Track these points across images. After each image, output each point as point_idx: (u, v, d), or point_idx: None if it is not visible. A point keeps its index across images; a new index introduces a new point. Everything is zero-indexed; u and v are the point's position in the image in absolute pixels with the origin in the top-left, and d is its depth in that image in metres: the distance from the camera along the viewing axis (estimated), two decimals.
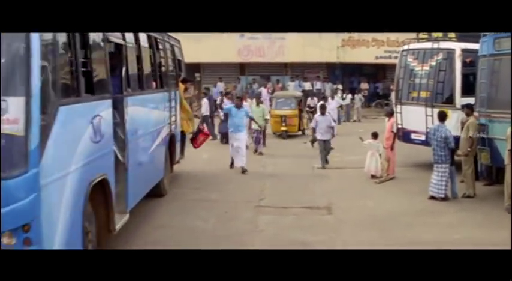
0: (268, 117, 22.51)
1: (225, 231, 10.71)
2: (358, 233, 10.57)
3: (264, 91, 31.10)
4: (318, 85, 34.94)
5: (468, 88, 15.35)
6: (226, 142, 20.96)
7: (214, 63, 35.59)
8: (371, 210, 12.19)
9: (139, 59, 10.80)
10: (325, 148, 17.34)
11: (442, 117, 13.46)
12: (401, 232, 10.60)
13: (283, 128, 24.69)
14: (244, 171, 16.33)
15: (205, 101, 24.28)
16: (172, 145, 14.09)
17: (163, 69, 13.35)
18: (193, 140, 16.16)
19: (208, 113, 23.95)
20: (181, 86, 15.34)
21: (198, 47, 30.87)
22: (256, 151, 20.03)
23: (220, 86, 33.87)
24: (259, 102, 22.21)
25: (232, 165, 16.99)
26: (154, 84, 12.29)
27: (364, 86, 35.78)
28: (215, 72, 36.34)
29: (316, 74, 36.52)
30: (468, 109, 13.77)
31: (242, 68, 37.39)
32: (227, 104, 21.69)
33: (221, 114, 22.33)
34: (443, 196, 12.96)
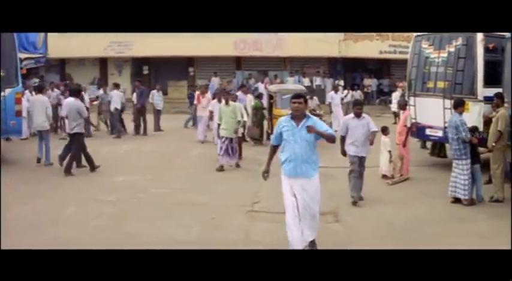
0: (245, 118, 16.47)
1: (209, 242, 8.88)
2: (374, 246, 8.60)
3: (261, 86, 29.33)
4: (318, 81, 33.31)
5: (491, 77, 13.73)
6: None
7: (208, 57, 34.01)
8: (387, 217, 10.26)
9: None
10: (360, 168, 11.71)
11: (456, 105, 11.62)
12: (428, 245, 8.66)
13: None
14: None
15: (116, 93, 22.02)
16: None
17: None
18: None
19: (118, 107, 21.77)
20: None
21: (192, 40, 29.09)
22: (234, 165, 15.41)
23: (215, 81, 32.37)
24: (228, 99, 15.76)
25: None
26: None
27: (367, 82, 33.95)
28: (210, 67, 34.90)
29: (316, 69, 34.85)
30: (498, 99, 11.96)
31: (238, 63, 35.74)
32: (242, 98, 19.52)
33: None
34: (463, 197, 11.22)
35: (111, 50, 33.73)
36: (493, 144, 11.45)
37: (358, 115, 11.59)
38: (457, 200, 11.29)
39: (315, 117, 8.58)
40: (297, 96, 8.41)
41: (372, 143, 11.52)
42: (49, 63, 32.66)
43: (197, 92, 22.18)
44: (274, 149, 8.70)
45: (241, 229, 9.59)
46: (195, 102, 21.45)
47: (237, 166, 15.45)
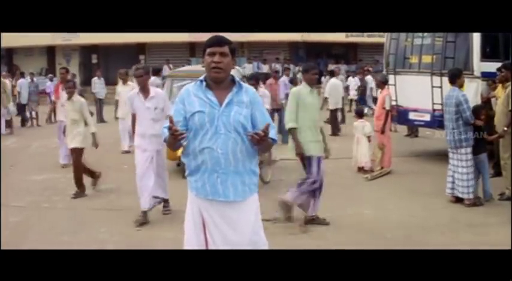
0: None
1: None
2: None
3: None
4: (278, 68, 31.01)
5: (490, 49, 11.73)
6: None
7: (161, 43, 32.17)
8: (372, 223, 7.70)
9: None
10: None
11: (452, 76, 9.18)
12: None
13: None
14: None
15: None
16: None
17: None
18: None
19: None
20: None
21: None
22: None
23: (166, 69, 30.05)
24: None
25: None
26: None
27: (332, 68, 31.73)
28: (162, 54, 33.04)
29: (277, 55, 33.19)
30: (507, 71, 9.53)
31: (192, 49, 33.79)
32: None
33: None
34: (466, 196, 8.81)
35: (58, 37, 32.19)
36: (505, 128, 9.00)
37: None
38: (458, 200, 8.87)
39: (250, 88, 4.30)
40: (218, 41, 4.08)
41: None
42: None
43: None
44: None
45: (177, 244, 6.93)
46: (53, 97, 14.32)
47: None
